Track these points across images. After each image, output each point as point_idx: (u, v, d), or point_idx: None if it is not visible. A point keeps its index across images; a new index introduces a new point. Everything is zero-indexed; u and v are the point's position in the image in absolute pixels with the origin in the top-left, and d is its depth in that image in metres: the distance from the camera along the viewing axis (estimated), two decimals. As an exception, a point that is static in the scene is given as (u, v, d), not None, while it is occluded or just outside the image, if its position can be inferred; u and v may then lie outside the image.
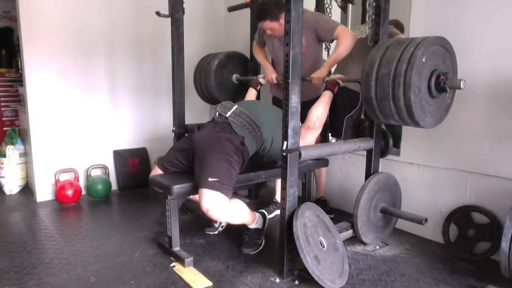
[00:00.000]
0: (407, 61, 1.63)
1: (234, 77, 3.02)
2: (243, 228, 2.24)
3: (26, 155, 3.35)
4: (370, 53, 1.82)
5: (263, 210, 2.36)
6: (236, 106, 2.24)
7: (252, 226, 2.23)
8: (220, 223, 2.45)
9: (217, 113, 2.26)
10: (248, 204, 2.19)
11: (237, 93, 3.03)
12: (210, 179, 1.90)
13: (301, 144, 2.13)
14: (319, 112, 2.21)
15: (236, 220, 2.11)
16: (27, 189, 3.40)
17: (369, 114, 1.92)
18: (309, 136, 2.24)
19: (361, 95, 1.84)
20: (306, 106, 2.21)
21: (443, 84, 1.70)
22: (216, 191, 1.89)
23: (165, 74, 3.47)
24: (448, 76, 1.71)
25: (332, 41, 2.60)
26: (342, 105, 2.62)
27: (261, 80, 2.78)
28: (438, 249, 2.24)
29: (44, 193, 3.10)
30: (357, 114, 2.69)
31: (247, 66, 3.09)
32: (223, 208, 1.92)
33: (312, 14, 2.53)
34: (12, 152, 3.31)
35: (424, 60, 1.64)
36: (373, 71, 1.74)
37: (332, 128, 2.72)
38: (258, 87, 2.81)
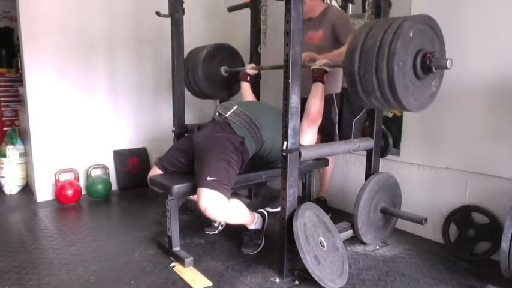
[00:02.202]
0: (394, 32, 1.56)
1: (223, 69, 2.90)
2: (242, 228, 2.24)
3: (26, 155, 3.35)
4: (358, 28, 1.75)
5: (262, 210, 2.36)
6: (236, 106, 2.24)
7: (251, 226, 2.23)
8: (219, 223, 2.45)
9: (217, 113, 2.26)
10: (248, 205, 2.19)
11: (226, 86, 2.95)
12: (208, 178, 1.90)
13: (303, 139, 2.12)
14: (317, 105, 2.15)
15: (234, 220, 2.11)
16: (27, 189, 3.40)
17: (350, 92, 1.81)
18: (310, 131, 2.18)
19: (344, 70, 1.75)
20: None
21: (429, 63, 1.62)
22: (215, 191, 1.89)
23: (165, 74, 3.47)
24: (435, 55, 1.64)
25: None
26: (349, 109, 2.62)
27: (249, 71, 2.70)
28: (438, 249, 2.24)
29: (44, 193, 3.11)
30: (364, 117, 2.70)
31: (236, 59, 2.99)
32: (221, 208, 1.92)
33: (338, 12, 2.52)
34: (12, 152, 3.31)
35: (411, 34, 1.57)
36: (359, 42, 1.67)
37: (341, 131, 2.71)
38: (248, 79, 2.72)
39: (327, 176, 2.85)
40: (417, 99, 1.70)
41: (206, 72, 2.82)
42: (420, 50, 1.63)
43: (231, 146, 2.05)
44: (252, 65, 2.76)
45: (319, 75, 2.16)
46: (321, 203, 2.80)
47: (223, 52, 2.93)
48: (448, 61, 1.62)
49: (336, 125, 2.61)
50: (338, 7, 2.83)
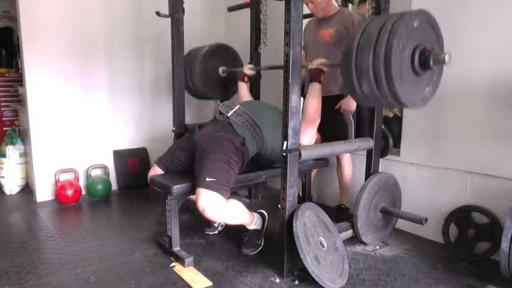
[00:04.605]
0: (399, 16, 1.57)
1: (221, 69, 2.89)
2: (243, 228, 2.24)
3: (26, 155, 3.35)
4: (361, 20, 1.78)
5: (262, 211, 2.35)
6: (238, 106, 2.24)
7: (251, 227, 2.22)
8: (219, 223, 2.44)
9: (218, 112, 2.26)
10: (248, 205, 2.19)
11: (223, 87, 2.94)
12: (207, 179, 1.90)
13: (303, 140, 2.09)
14: (315, 105, 2.13)
15: (233, 221, 2.10)
16: (27, 189, 3.40)
17: (341, 73, 1.76)
18: (309, 131, 2.15)
19: (344, 48, 1.72)
20: (328, 103, 2.25)
21: (427, 55, 1.60)
22: (213, 191, 1.89)
23: (165, 74, 3.47)
24: (435, 50, 1.63)
25: None
26: (368, 107, 2.60)
27: (247, 71, 2.69)
28: (438, 249, 2.24)
29: (44, 193, 3.10)
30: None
31: (236, 61, 2.99)
32: (220, 208, 1.92)
33: (350, 12, 2.54)
34: (12, 152, 3.30)
35: (415, 24, 1.56)
36: (364, 25, 1.66)
37: (359, 129, 2.65)
38: (246, 79, 2.71)
39: (347, 181, 2.68)
40: (409, 94, 1.65)
41: (204, 70, 2.81)
42: (420, 44, 1.62)
43: (231, 146, 2.04)
44: (250, 65, 2.75)
45: (316, 75, 2.13)
46: (342, 211, 2.68)
47: (223, 52, 2.92)
48: (447, 56, 1.59)
49: (352, 124, 2.56)
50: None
